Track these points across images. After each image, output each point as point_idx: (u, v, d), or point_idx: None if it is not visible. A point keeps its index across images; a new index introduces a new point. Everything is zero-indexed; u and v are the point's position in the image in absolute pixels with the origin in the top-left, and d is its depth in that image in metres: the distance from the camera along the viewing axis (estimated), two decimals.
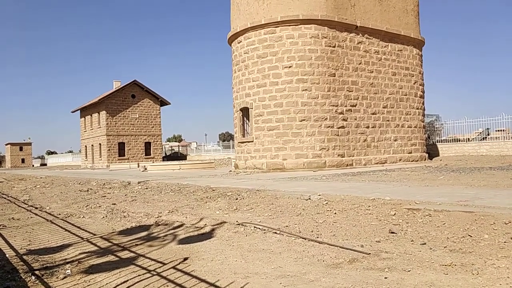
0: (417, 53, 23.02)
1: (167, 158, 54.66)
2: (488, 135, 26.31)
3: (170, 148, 65.44)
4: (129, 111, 48.77)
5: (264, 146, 19.28)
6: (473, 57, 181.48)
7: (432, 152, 25.67)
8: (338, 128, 19.21)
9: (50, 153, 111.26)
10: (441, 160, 22.94)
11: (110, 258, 5.09)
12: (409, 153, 22.06)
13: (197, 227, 6.77)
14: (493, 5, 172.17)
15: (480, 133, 26.78)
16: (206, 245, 5.57)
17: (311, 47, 18.82)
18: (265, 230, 6.16)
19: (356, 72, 19.99)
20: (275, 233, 5.95)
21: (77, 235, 6.58)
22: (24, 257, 5.22)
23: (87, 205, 10.12)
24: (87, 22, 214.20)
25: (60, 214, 9.04)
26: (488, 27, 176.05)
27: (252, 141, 19.75)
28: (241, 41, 20.26)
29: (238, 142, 21.11)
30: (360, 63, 20.14)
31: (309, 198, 8.40)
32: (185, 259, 4.88)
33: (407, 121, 22.13)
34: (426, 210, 6.31)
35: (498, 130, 25.44)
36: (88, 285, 4.06)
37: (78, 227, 7.30)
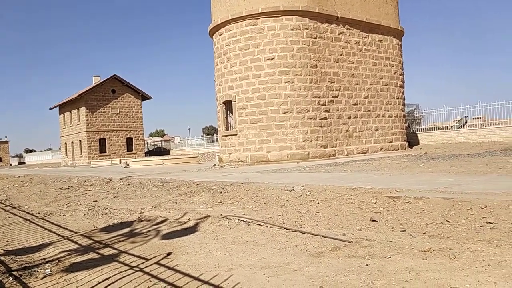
0: (397, 43, 23.24)
1: (149, 153, 54.17)
2: (466, 123, 26.84)
3: (153, 143, 64.87)
4: (109, 107, 48.04)
5: (248, 139, 19.27)
6: (451, 47, 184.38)
7: (412, 140, 26.07)
8: (321, 119, 19.32)
9: (28, 151, 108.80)
10: (421, 148, 23.32)
11: (92, 255, 5.04)
12: (390, 142, 22.35)
13: (181, 221, 6.74)
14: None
15: (458, 121, 27.33)
16: (190, 239, 5.55)
17: (292, 38, 18.82)
18: (249, 222, 6.18)
19: (338, 63, 20.08)
20: (259, 225, 5.97)
21: (57, 234, 6.48)
22: (1, 257, 5.12)
23: (68, 203, 9.97)
24: (66, 21, 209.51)
25: (39, 213, 8.88)
26: (464, 21, 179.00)
27: (236, 134, 19.72)
28: (222, 33, 20.12)
29: (222, 136, 21.05)
30: (341, 54, 20.23)
31: (293, 189, 8.45)
32: (169, 254, 4.86)
33: (388, 110, 22.38)
34: (406, 198, 6.42)
35: (475, 118, 26.00)
36: (68, 284, 4.01)
37: (58, 226, 7.20)
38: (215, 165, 20.74)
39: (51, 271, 4.42)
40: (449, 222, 5.13)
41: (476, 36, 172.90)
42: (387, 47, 22.50)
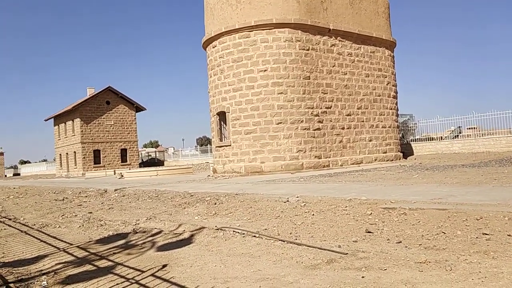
0: (389, 54, 23.51)
1: (144, 164, 53.95)
2: (460, 133, 27.04)
3: (147, 154, 64.63)
4: (104, 118, 48.00)
5: (242, 149, 19.30)
6: (445, 58, 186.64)
7: (406, 151, 26.22)
8: (314, 130, 19.41)
9: (23, 162, 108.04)
10: (415, 159, 23.44)
11: (88, 267, 5.01)
12: (384, 153, 22.47)
13: (176, 233, 6.72)
14: (459, 9, 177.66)
15: (453, 131, 27.52)
16: (185, 251, 5.54)
17: (285, 50, 18.98)
18: (244, 234, 6.17)
19: (330, 74, 20.26)
20: (254, 236, 5.97)
21: (53, 246, 6.44)
22: None
23: (63, 215, 9.91)
24: (60, 32, 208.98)
25: (35, 224, 8.82)
26: (455, 31, 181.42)
27: (230, 145, 19.74)
28: (216, 46, 20.26)
29: (216, 147, 21.06)
30: (334, 66, 20.42)
31: (287, 201, 8.46)
32: (164, 266, 4.84)
33: (381, 121, 22.54)
34: (401, 209, 6.45)
35: (470, 128, 26.20)
36: None
37: (54, 237, 7.15)
38: (209, 176, 20.71)
39: (47, 283, 4.39)
40: (444, 233, 5.16)
41: (472, 44, 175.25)
42: (379, 58, 22.75)
